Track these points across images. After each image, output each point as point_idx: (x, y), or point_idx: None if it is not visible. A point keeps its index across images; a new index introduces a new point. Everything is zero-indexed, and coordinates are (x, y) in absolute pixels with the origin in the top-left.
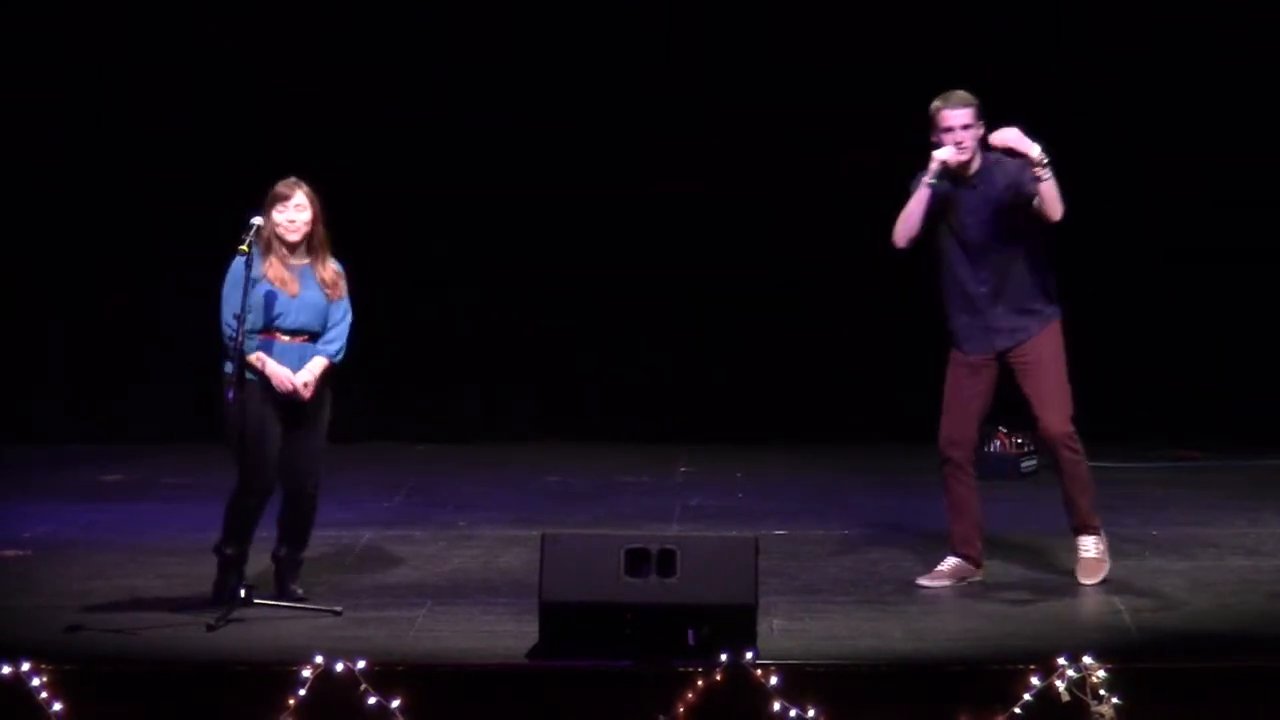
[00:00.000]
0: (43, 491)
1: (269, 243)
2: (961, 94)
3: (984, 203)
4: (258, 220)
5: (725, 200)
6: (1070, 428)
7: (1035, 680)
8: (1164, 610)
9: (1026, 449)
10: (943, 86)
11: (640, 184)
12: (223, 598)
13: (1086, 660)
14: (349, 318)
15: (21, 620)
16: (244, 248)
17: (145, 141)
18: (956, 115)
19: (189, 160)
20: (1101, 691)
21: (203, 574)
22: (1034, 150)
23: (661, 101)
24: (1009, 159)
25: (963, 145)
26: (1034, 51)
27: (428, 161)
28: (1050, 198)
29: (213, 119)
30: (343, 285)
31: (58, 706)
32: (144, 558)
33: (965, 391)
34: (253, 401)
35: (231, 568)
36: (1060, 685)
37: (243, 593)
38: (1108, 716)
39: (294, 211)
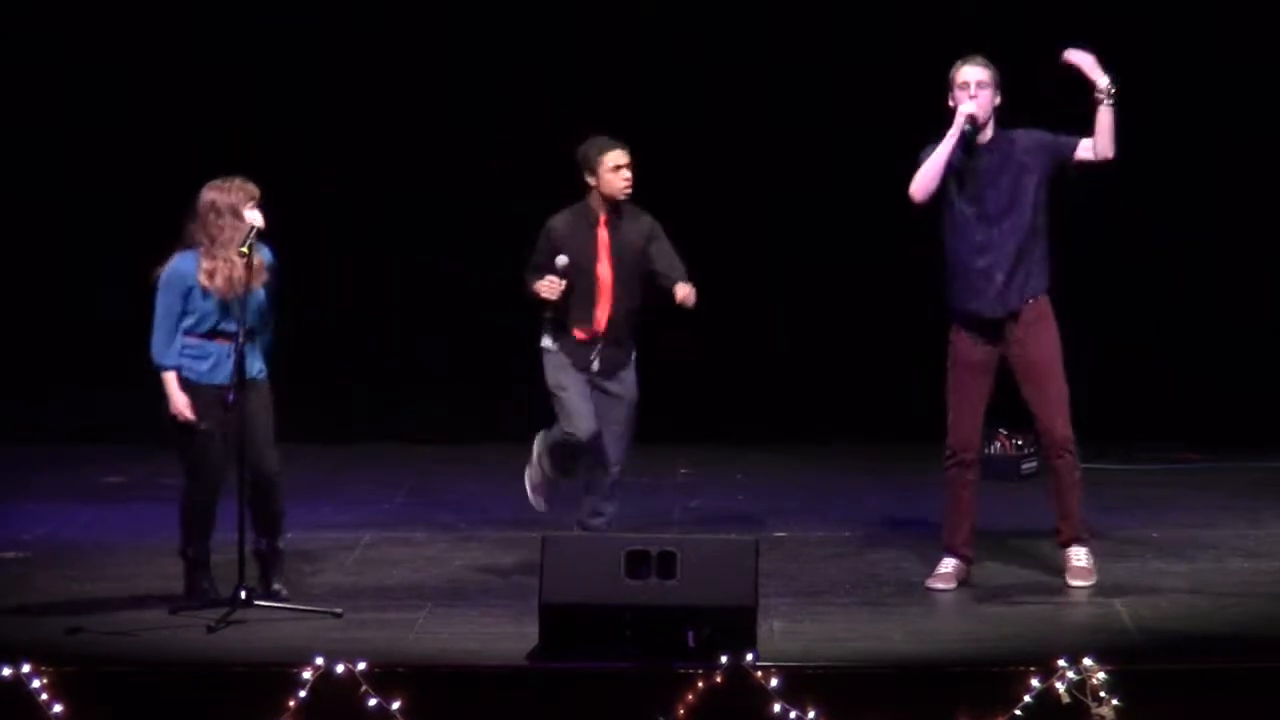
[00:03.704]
0: (43, 491)
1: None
2: (981, 57)
3: (1001, 169)
4: (259, 223)
5: (724, 200)
6: (1072, 432)
7: (1035, 682)
8: (1164, 612)
9: (1027, 451)
10: (941, 86)
11: (638, 183)
12: (196, 599)
13: (1086, 662)
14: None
15: (22, 621)
16: (244, 249)
17: (144, 141)
18: (975, 72)
19: (185, 160)
20: (1102, 693)
21: None
22: (1102, 81)
23: (661, 101)
24: (1032, 130)
25: (980, 102)
26: (1034, 51)
27: (427, 161)
28: (1108, 128)
29: (207, 119)
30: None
31: (58, 708)
32: (144, 558)
33: (970, 394)
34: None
35: (199, 568)
36: (1060, 687)
37: (243, 594)
38: (1108, 718)
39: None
